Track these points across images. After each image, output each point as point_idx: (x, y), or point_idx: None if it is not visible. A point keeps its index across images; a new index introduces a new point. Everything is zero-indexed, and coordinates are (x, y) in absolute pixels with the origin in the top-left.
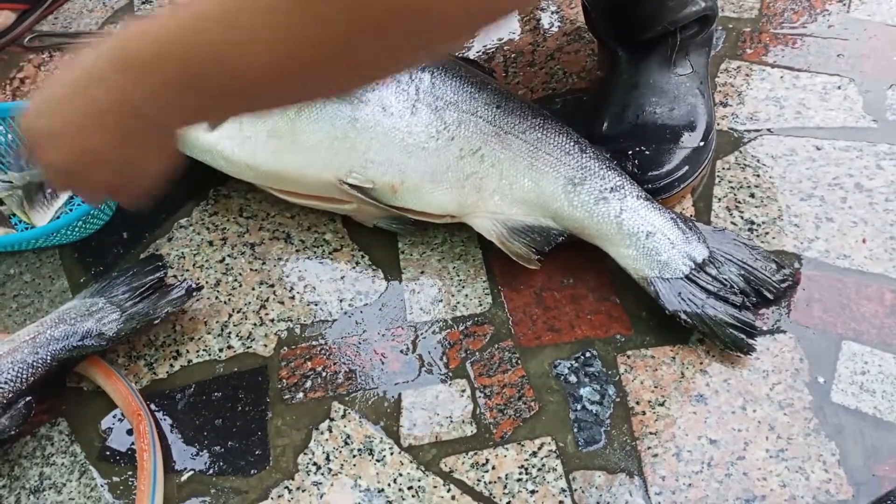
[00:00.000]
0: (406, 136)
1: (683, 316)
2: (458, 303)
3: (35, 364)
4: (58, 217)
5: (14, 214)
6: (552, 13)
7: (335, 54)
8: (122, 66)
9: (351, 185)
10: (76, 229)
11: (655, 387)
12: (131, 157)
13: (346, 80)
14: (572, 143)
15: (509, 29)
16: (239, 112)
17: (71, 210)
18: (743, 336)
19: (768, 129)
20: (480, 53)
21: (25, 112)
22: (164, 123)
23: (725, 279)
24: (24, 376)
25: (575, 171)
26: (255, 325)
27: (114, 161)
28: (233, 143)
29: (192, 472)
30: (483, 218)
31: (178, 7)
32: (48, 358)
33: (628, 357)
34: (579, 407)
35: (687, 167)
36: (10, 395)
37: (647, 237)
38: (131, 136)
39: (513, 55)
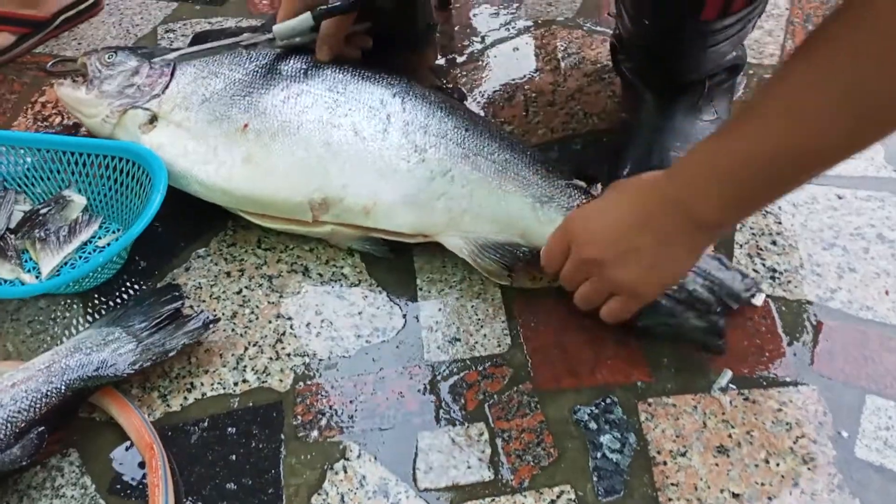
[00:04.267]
0: (378, 159)
1: (653, 329)
2: (477, 343)
3: (49, 393)
4: (66, 263)
5: (27, 250)
6: (573, 53)
7: (858, 146)
8: (669, 172)
9: (320, 204)
10: (91, 278)
11: (677, 436)
12: (668, 253)
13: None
14: (539, 164)
15: (530, 68)
16: (767, 201)
17: (82, 257)
18: (714, 338)
19: None
20: (501, 92)
21: (572, 215)
22: (704, 221)
23: (692, 289)
24: (38, 406)
25: (542, 189)
26: (270, 359)
27: (652, 257)
28: (208, 168)
29: None
30: (454, 237)
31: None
32: (62, 387)
33: (649, 405)
34: (599, 455)
35: None
36: (23, 425)
37: None
38: (673, 235)
39: (533, 94)
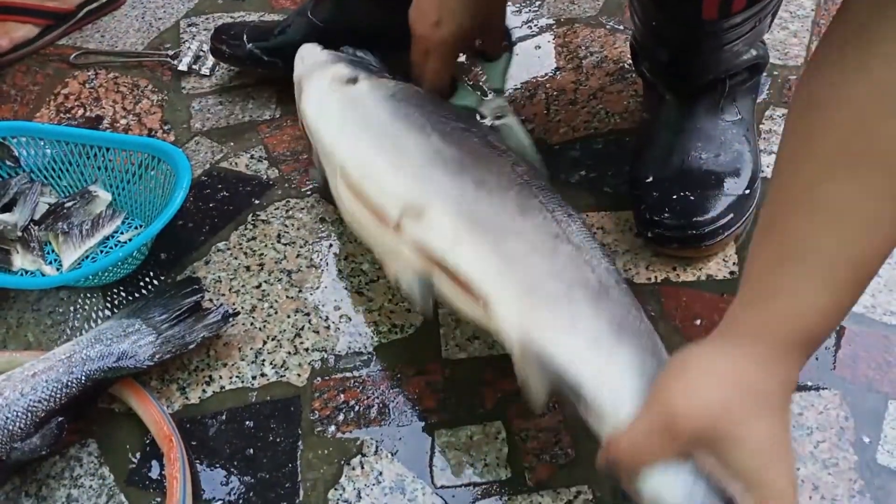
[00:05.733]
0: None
1: None
2: (495, 341)
3: (69, 384)
4: (87, 257)
5: (49, 242)
6: (595, 52)
7: None
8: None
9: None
10: (111, 272)
11: None
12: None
13: None
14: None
15: (552, 66)
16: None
17: (103, 252)
18: None
19: None
20: (523, 90)
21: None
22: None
23: None
24: (58, 396)
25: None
26: (289, 353)
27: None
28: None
29: (220, 502)
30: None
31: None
32: (83, 378)
33: None
34: None
35: (732, 215)
36: (43, 415)
37: None
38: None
39: (555, 93)
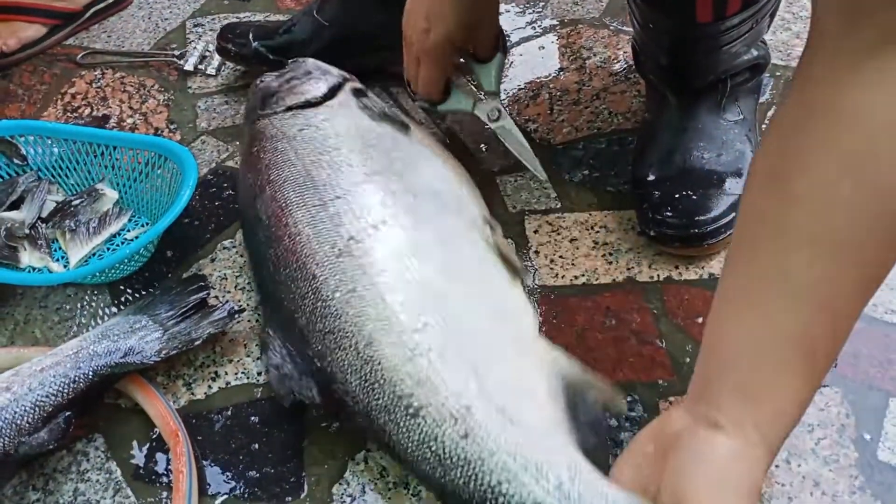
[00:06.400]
0: None
1: None
2: None
3: (77, 379)
4: (94, 254)
5: (57, 240)
6: (599, 53)
7: None
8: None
9: None
10: (117, 270)
11: None
12: None
13: None
14: None
15: (556, 67)
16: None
17: (110, 249)
18: None
19: None
20: (526, 90)
21: None
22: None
23: None
24: (66, 391)
25: None
26: None
27: None
28: None
29: (225, 497)
30: None
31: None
32: (90, 373)
33: (670, 403)
34: (619, 452)
35: (734, 214)
36: (51, 409)
37: None
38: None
39: (558, 93)
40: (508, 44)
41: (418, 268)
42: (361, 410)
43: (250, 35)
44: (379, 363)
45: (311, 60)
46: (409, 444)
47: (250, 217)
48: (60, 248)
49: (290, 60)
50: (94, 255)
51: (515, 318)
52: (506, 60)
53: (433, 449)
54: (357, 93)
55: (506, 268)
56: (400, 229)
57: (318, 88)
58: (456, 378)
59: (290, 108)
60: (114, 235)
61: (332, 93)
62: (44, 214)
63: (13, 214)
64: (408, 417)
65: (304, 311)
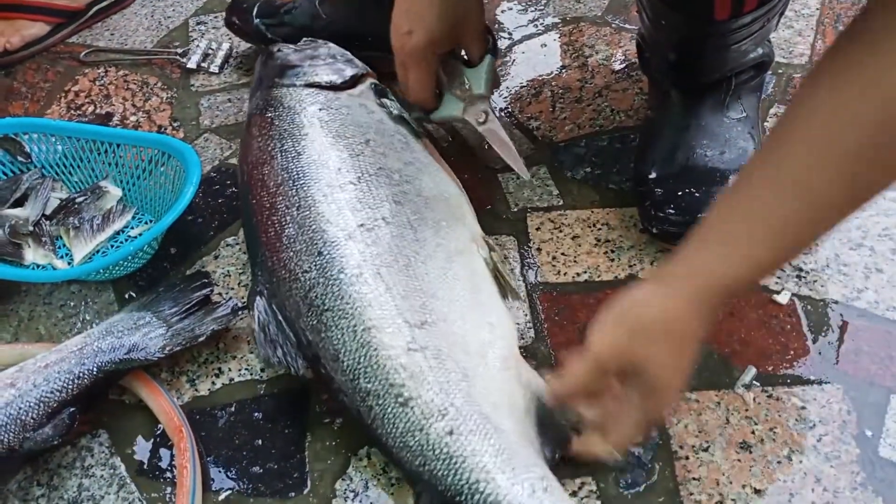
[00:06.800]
0: None
1: None
2: None
3: (81, 375)
4: (98, 251)
5: (61, 237)
6: (601, 51)
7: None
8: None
9: None
10: (121, 267)
11: (700, 431)
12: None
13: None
14: None
15: (558, 65)
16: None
17: (113, 246)
18: None
19: None
20: (528, 88)
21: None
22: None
23: None
24: (70, 387)
25: None
26: None
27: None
28: None
29: (229, 492)
30: None
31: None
32: (94, 369)
33: None
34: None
35: None
36: (56, 405)
37: None
38: (676, 350)
39: (560, 91)
40: (510, 42)
41: (421, 267)
42: (348, 390)
43: (254, 11)
44: (376, 349)
45: (332, 45)
46: (395, 431)
47: (256, 176)
48: (64, 246)
49: (305, 39)
50: (97, 252)
51: (503, 334)
52: (497, 62)
53: (417, 439)
54: (377, 88)
55: (498, 286)
56: (408, 228)
57: (341, 74)
58: (447, 378)
59: (311, 85)
60: (117, 233)
61: (354, 82)
62: (48, 212)
63: (17, 212)
64: (397, 405)
65: (303, 283)
